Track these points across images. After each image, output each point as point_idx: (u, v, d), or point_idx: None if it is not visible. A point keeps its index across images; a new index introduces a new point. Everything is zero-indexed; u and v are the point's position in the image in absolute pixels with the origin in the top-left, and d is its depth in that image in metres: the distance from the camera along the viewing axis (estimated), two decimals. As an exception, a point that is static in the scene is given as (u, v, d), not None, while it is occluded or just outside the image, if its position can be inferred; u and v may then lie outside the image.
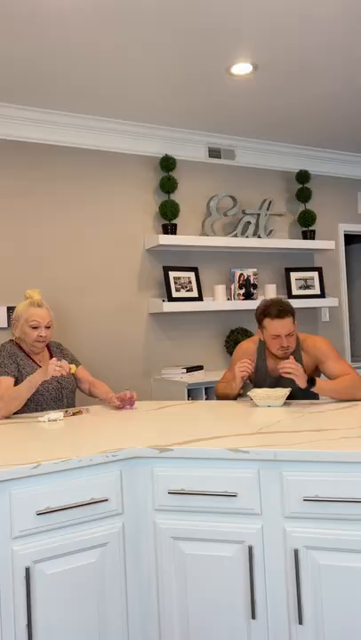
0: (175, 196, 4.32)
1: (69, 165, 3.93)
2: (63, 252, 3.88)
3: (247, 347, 2.77)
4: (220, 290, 4.28)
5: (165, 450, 1.77)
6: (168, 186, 4.16)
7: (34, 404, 2.61)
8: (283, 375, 2.44)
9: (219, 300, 4.28)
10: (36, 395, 2.60)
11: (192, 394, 3.76)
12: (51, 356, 2.77)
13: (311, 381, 2.42)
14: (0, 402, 2.46)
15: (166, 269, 4.14)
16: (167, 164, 4.17)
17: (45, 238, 3.83)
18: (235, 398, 2.77)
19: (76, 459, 1.71)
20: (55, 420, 2.37)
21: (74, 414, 2.44)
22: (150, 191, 4.24)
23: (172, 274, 4.15)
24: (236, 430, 1.97)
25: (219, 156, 4.47)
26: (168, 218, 4.14)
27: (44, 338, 2.64)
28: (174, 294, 4.10)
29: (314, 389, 2.43)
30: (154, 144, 4.22)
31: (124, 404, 2.62)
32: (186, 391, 3.64)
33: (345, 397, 2.45)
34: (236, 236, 4.36)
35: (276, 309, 2.52)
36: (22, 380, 2.57)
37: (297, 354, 2.62)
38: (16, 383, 2.58)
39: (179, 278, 4.18)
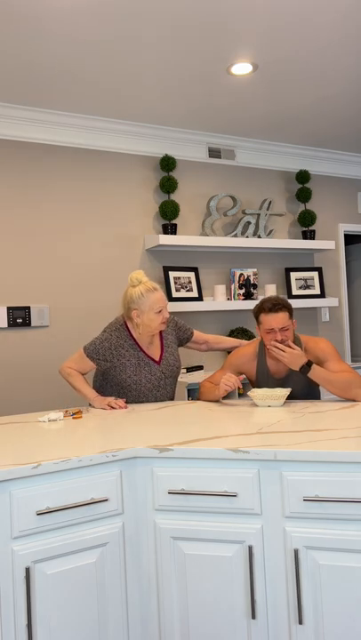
0: (175, 196, 4.32)
1: (69, 165, 3.93)
2: (63, 251, 3.88)
3: (245, 351, 2.72)
4: (220, 290, 4.28)
5: (165, 450, 1.77)
6: (168, 186, 4.16)
7: (135, 392, 2.71)
8: (275, 356, 2.48)
9: (219, 299, 4.28)
10: (138, 385, 2.69)
11: (192, 394, 3.76)
12: (161, 339, 2.79)
13: (308, 365, 2.43)
14: (65, 373, 2.72)
15: (166, 269, 4.14)
16: (167, 164, 4.17)
17: (45, 238, 3.83)
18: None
19: (75, 459, 1.71)
20: (55, 420, 2.37)
21: (73, 414, 2.44)
22: (150, 191, 4.24)
23: (172, 274, 4.15)
24: (236, 430, 1.97)
25: (219, 156, 4.47)
26: (168, 218, 4.14)
27: (167, 319, 2.68)
28: (174, 294, 4.10)
29: (309, 373, 2.43)
30: (154, 144, 4.22)
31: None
32: (186, 391, 3.64)
33: (337, 391, 2.44)
34: (236, 235, 4.36)
35: (270, 304, 2.53)
36: (118, 372, 2.68)
37: None
38: (110, 373, 2.71)
39: (179, 278, 4.18)
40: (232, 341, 2.98)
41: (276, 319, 2.50)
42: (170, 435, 1.95)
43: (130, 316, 2.66)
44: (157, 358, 2.73)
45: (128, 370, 2.67)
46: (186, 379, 3.76)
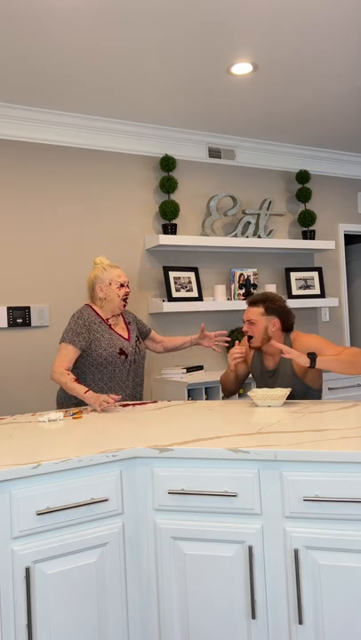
0: (175, 196, 4.32)
1: (69, 165, 3.93)
2: (63, 251, 3.88)
3: (245, 339, 2.85)
4: (220, 290, 4.28)
5: (165, 450, 1.77)
6: (168, 186, 4.16)
7: (112, 368, 2.77)
8: (283, 357, 2.53)
9: (219, 300, 4.28)
10: (115, 358, 2.76)
11: (192, 394, 3.76)
12: (125, 323, 2.93)
13: (312, 359, 2.42)
14: (57, 374, 2.66)
15: (166, 269, 4.14)
16: (167, 163, 4.17)
17: (45, 238, 3.83)
18: (235, 390, 2.86)
19: (76, 459, 1.71)
20: (55, 420, 2.37)
21: (73, 415, 2.44)
22: (150, 191, 4.24)
23: (172, 274, 4.15)
24: (236, 430, 1.97)
25: (219, 156, 4.48)
26: (168, 218, 4.14)
27: (129, 294, 2.89)
28: (174, 294, 4.10)
29: (317, 364, 2.41)
30: (154, 144, 4.22)
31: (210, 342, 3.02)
32: (186, 391, 3.64)
33: (349, 368, 2.40)
34: (236, 235, 4.36)
35: (250, 297, 2.73)
36: (93, 347, 2.74)
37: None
38: (83, 355, 2.76)
39: (179, 278, 4.18)
40: (182, 338, 3.15)
41: (247, 312, 2.70)
42: (170, 435, 1.95)
43: (94, 295, 2.86)
44: (126, 336, 2.87)
45: (103, 343, 2.75)
46: (186, 379, 3.76)
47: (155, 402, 2.78)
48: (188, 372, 3.96)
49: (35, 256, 3.79)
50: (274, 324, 2.64)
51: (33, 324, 3.73)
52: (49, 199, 3.85)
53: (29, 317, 3.72)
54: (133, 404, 2.70)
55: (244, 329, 2.70)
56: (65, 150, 3.92)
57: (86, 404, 2.84)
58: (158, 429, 2.06)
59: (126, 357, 2.80)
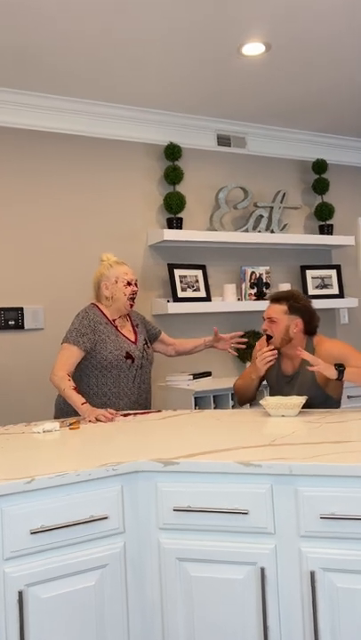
0: (181, 188, 4.32)
1: (66, 154, 3.94)
2: (60, 247, 3.89)
3: (262, 339, 2.82)
4: (230, 289, 4.28)
5: (170, 463, 1.77)
6: (173, 176, 4.16)
7: (117, 371, 2.79)
8: (312, 369, 2.48)
9: (228, 300, 4.27)
10: (120, 361, 2.78)
11: (199, 402, 3.75)
12: (132, 324, 2.98)
13: (340, 370, 2.42)
14: (57, 378, 2.69)
15: (171, 267, 4.14)
16: (172, 152, 4.17)
17: (40, 233, 3.84)
18: (253, 398, 2.83)
19: (73, 473, 1.71)
20: (51, 431, 2.37)
21: (70, 425, 2.44)
22: (154, 182, 4.24)
23: (177, 272, 4.15)
24: (247, 442, 1.97)
25: (228, 144, 4.47)
26: (173, 211, 4.14)
27: (136, 293, 2.90)
28: (180, 294, 4.10)
29: (345, 377, 2.42)
30: (158, 131, 4.22)
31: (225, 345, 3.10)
32: (193, 399, 3.64)
33: None
34: (247, 230, 4.36)
35: (274, 294, 2.74)
36: (98, 349, 2.77)
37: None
38: (87, 357, 2.78)
39: (185, 277, 4.18)
40: (195, 341, 3.20)
41: (269, 309, 2.70)
42: (175, 447, 1.95)
43: (100, 293, 2.92)
44: (133, 339, 2.89)
45: (109, 345, 2.78)
46: (193, 386, 3.75)
47: (159, 411, 2.78)
48: (194, 378, 3.96)
49: (28, 252, 3.80)
50: (296, 324, 2.63)
51: (26, 327, 3.74)
52: (44, 191, 3.86)
53: (22, 319, 3.72)
54: (135, 414, 2.70)
55: (264, 327, 2.69)
56: (61, 137, 3.92)
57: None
58: (162, 441, 2.06)
59: (133, 362, 2.81)
